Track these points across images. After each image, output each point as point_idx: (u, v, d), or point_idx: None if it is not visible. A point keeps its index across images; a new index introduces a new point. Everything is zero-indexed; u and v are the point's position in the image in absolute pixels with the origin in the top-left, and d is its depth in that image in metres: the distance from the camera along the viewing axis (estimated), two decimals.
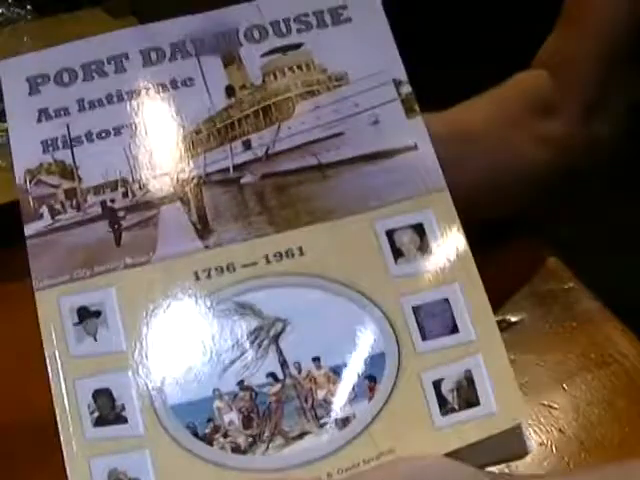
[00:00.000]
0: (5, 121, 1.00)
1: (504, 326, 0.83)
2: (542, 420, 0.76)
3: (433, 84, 0.91)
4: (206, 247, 0.65)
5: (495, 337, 0.64)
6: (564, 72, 0.86)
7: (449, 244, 0.65)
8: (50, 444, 0.70)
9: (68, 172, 0.67)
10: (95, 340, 0.63)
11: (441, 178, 0.67)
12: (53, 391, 0.62)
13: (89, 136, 0.67)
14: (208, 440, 0.61)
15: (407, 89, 0.69)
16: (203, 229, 0.66)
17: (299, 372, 0.63)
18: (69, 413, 0.62)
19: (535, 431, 0.75)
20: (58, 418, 0.62)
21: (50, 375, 0.63)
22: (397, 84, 0.69)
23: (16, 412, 0.80)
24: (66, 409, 0.62)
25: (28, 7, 1.11)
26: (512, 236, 0.89)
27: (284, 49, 0.69)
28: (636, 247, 0.95)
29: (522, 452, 0.66)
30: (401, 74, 0.69)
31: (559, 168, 0.86)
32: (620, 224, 1.00)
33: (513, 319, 0.85)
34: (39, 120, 0.68)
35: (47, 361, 0.63)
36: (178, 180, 0.67)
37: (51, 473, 0.69)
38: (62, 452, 0.61)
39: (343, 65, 0.69)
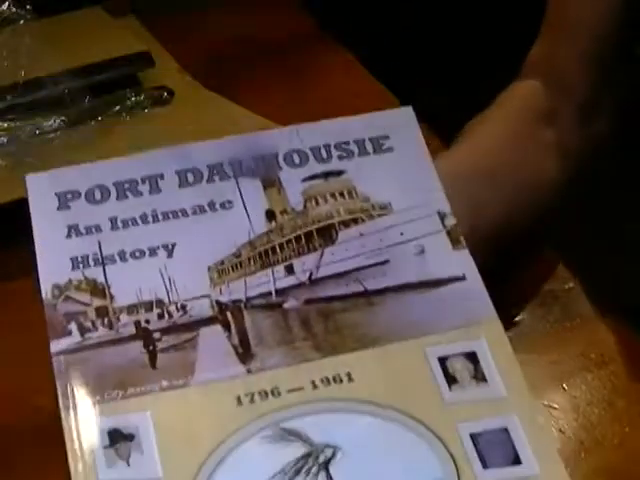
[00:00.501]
0: (5, 120, 0.98)
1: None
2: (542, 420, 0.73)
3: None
4: (248, 371, 0.61)
5: (560, 472, 0.60)
6: (554, 78, 0.86)
7: (504, 374, 0.62)
8: (50, 445, 0.66)
9: (99, 290, 0.63)
10: (128, 465, 0.58)
11: (491, 307, 0.64)
12: None
13: (122, 255, 0.64)
14: None
15: (451, 221, 0.67)
16: (245, 353, 0.62)
17: None
18: None
19: None
20: None
21: None
22: (442, 216, 0.67)
23: (16, 412, 0.76)
24: None
25: (28, 7, 1.08)
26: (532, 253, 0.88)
27: (325, 175, 0.68)
28: (636, 247, 0.94)
29: None
30: (445, 206, 0.68)
31: (568, 172, 0.85)
32: (620, 224, 0.98)
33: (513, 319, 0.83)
34: (68, 235, 0.65)
35: None
36: (218, 303, 0.64)
37: (51, 474, 0.66)
38: None
39: (386, 195, 0.68)
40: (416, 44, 1.43)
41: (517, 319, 0.84)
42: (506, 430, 0.61)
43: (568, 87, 0.86)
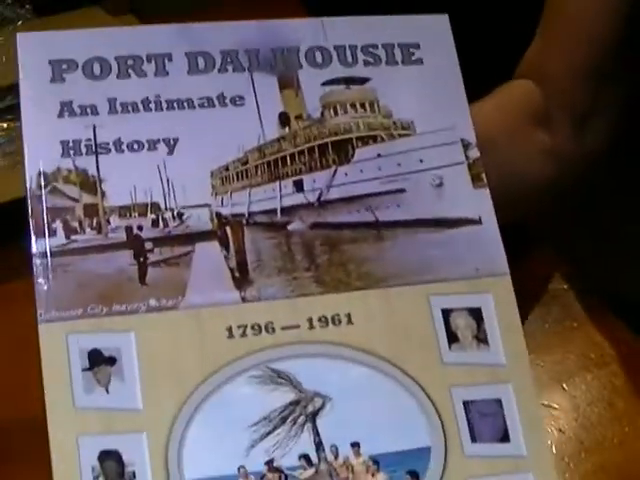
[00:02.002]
0: (5, 120, 0.95)
1: None
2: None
3: None
4: (243, 299, 0.57)
5: (547, 457, 0.58)
6: (550, 86, 0.82)
7: (507, 338, 0.59)
8: (47, 442, 0.63)
9: (90, 184, 0.57)
10: (107, 392, 0.54)
11: (504, 261, 0.60)
12: (52, 447, 0.53)
13: (118, 145, 0.58)
14: None
15: (475, 153, 0.62)
16: (241, 278, 0.57)
17: (335, 457, 0.55)
18: (69, 473, 0.52)
19: None
20: (54, 476, 0.52)
21: (49, 427, 0.53)
22: (465, 146, 0.62)
23: (16, 412, 0.74)
24: (65, 470, 0.52)
25: (28, 7, 1.08)
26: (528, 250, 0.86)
27: (348, 81, 0.61)
28: (636, 248, 0.93)
29: None
30: (470, 135, 0.62)
31: (555, 176, 0.82)
32: (620, 225, 0.97)
33: None
34: (61, 115, 0.58)
35: (47, 410, 0.53)
36: (218, 216, 0.58)
37: (49, 470, 0.62)
38: None
39: (410, 112, 0.62)
40: None
41: None
42: (499, 402, 0.58)
43: (563, 97, 0.80)
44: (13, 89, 0.92)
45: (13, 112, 0.97)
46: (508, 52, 0.82)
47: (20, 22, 1.06)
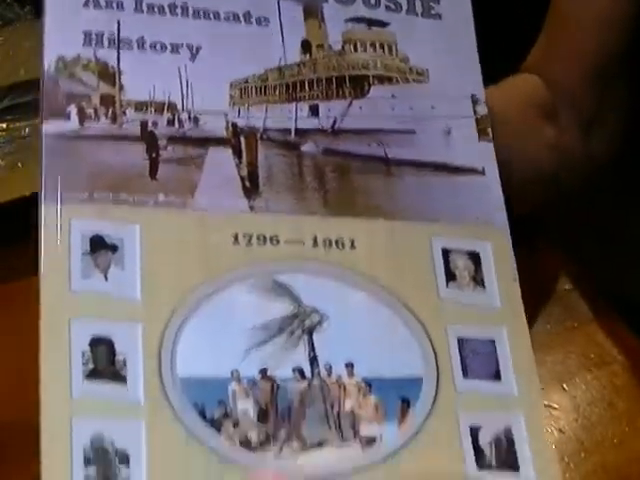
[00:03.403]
0: (5, 120, 0.92)
1: None
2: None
3: None
4: (251, 208, 0.55)
5: (538, 400, 0.57)
6: (556, 88, 0.80)
7: (502, 284, 0.58)
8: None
9: (109, 75, 0.55)
10: (105, 278, 0.51)
11: (504, 214, 0.60)
12: (42, 328, 0.50)
13: (141, 43, 0.56)
14: (216, 425, 0.50)
15: (483, 109, 0.62)
16: (251, 188, 0.55)
17: (329, 375, 0.53)
18: (58, 358, 0.49)
19: None
20: (42, 360, 0.49)
21: (42, 308, 0.50)
22: (474, 101, 0.62)
23: (16, 412, 0.69)
24: (54, 351, 0.49)
25: (28, 7, 1.04)
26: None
27: (370, 22, 0.61)
28: (636, 248, 0.93)
29: None
30: (479, 91, 0.62)
31: (560, 172, 0.81)
32: (621, 225, 0.97)
33: None
34: (86, 4, 0.56)
35: (41, 290, 0.50)
36: (233, 125, 0.56)
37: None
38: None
39: (425, 61, 0.62)
40: None
41: None
42: (493, 343, 0.57)
43: (567, 94, 0.80)
44: (13, 89, 0.94)
45: (13, 112, 0.94)
46: (512, 45, 0.82)
47: (21, 22, 1.03)
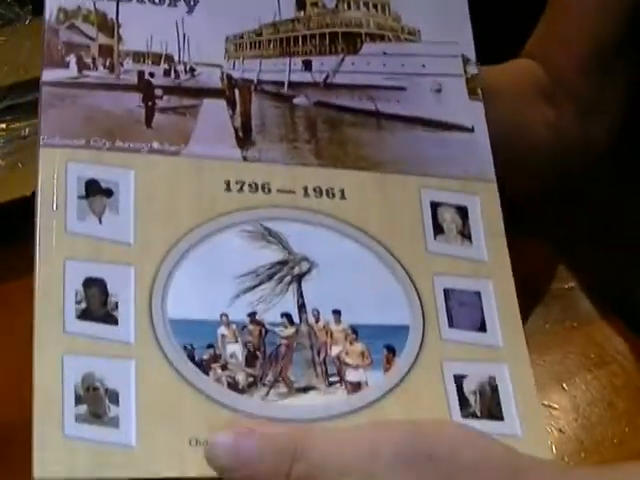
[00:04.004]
0: (4, 120, 0.93)
1: None
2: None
3: None
4: (244, 158, 0.56)
5: (522, 351, 0.57)
6: (554, 74, 0.81)
7: (490, 239, 0.59)
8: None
9: (108, 27, 0.56)
10: (99, 222, 0.52)
11: (492, 169, 0.60)
12: (37, 268, 0.50)
13: None
14: (204, 368, 0.51)
15: (473, 69, 0.62)
16: (244, 138, 0.56)
17: (316, 321, 0.53)
18: (51, 297, 0.50)
19: None
20: (36, 302, 0.50)
21: (37, 248, 0.51)
22: (465, 61, 0.62)
23: (16, 410, 0.67)
24: (48, 291, 0.50)
25: (28, 7, 1.05)
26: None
27: None
28: (636, 248, 0.93)
29: None
30: (470, 52, 0.63)
31: (558, 156, 0.81)
32: (621, 225, 0.96)
33: None
34: None
35: (37, 232, 0.51)
36: (228, 77, 0.57)
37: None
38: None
39: (417, 21, 0.62)
40: None
41: None
42: (479, 295, 0.57)
43: (565, 82, 0.80)
44: (13, 89, 0.95)
45: (13, 112, 0.95)
46: (510, 36, 0.82)
47: (21, 22, 1.04)
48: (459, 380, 0.54)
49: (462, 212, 0.59)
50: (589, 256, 0.90)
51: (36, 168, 0.52)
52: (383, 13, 0.61)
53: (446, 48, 0.62)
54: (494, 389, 0.55)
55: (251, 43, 0.58)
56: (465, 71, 0.62)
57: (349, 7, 0.61)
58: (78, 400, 0.48)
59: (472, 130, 0.61)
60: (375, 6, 0.61)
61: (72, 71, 0.54)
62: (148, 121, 0.55)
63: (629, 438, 0.72)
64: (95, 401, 0.49)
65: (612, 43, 0.79)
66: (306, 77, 0.59)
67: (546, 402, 0.73)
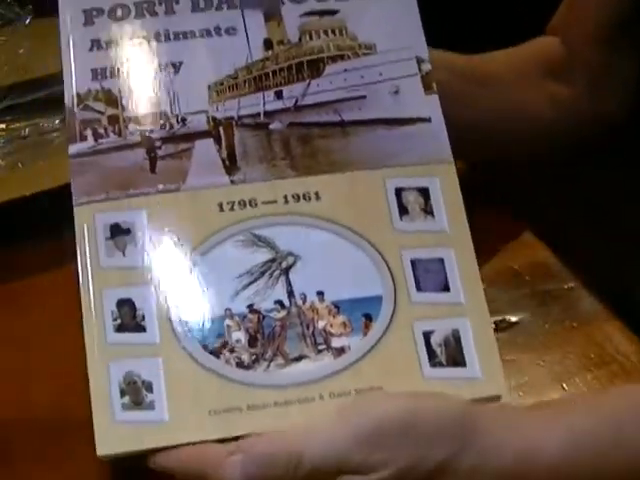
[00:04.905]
0: (4, 120, 0.97)
1: (504, 326, 0.82)
2: None
3: None
4: (232, 182, 0.68)
5: (482, 306, 0.66)
6: (571, 37, 0.88)
7: (450, 212, 0.68)
8: (49, 440, 0.72)
9: (113, 100, 0.69)
10: (124, 255, 0.66)
11: (449, 151, 0.69)
12: (82, 298, 0.64)
13: (135, 69, 0.70)
14: (216, 353, 0.63)
15: (427, 67, 0.71)
16: (231, 165, 0.68)
17: (304, 302, 0.65)
18: (94, 318, 0.64)
19: None
20: (84, 323, 0.64)
21: (80, 283, 0.65)
22: (419, 61, 0.71)
23: (17, 410, 0.79)
24: (92, 315, 0.64)
25: (28, 7, 1.08)
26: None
27: (321, 13, 0.72)
28: (636, 247, 0.93)
29: None
30: (423, 53, 0.72)
31: (567, 129, 0.88)
32: (621, 224, 0.98)
33: (513, 319, 0.83)
34: (91, 49, 0.70)
35: (79, 271, 0.65)
36: (213, 119, 0.69)
37: (50, 469, 0.71)
38: (85, 355, 0.63)
39: (372, 36, 0.72)
40: None
41: (517, 319, 0.83)
42: (442, 261, 0.67)
43: (582, 49, 0.86)
44: (13, 89, 0.97)
45: (13, 112, 0.98)
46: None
47: (21, 22, 1.04)
48: (427, 335, 0.65)
49: (424, 193, 0.68)
50: (590, 256, 0.91)
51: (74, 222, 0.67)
52: (341, 35, 0.71)
53: (401, 54, 0.71)
54: (457, 340, 0.65)
55: (229, 86, 0.70)
56: (420, 69, 0.71)
57: (311, 38, 0.71)
58: (122, 393, 0.62)
59: (429, 120, 0.70)
60: (333, 31, 0.71)
61: (90, 142, 0.68)
62: (152, 168, 0.67)
63: None
64: (135, 392, 0.62)
65: (627, 16, 0.85)
66: (278, 105, 0.70)
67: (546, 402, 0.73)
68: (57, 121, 0.97)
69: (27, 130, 0.96)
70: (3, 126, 0.96)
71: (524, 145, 0.87)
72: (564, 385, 0.78)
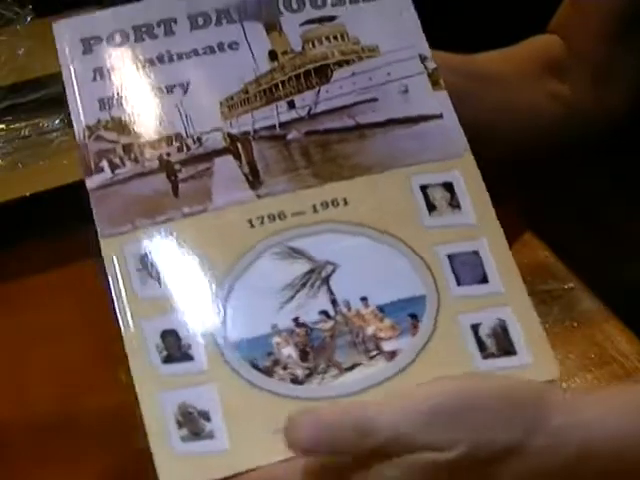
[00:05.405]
0: (4, 120, 0.96)
1: None
2: None
3: None
4: (258, 196, 0.66)
5: (523, 293, 0.65)
6: (574, 34, 0.88)
7: (476, 203, 0.67)
8: (48, 441, 0.71)
9: (125, 128, 0.67)
10: (159, 284, 0.64)
11: (465, 142, 0.69)
12: (123, 332, 0.62)
13: (143, 93, 0.67)
14: (268, 372, 0.62)
15: (432, 64, 0.71)
16: (254, 180, 0.66)
17: (349, 310, 0.64)
18: (140, 352, 0.62)
19: None
20: (130, 357, 0.62)
21: (118, 316, 0.62)
22: (423, 59, 0.71)
23: (16, 410, 0.78)
24: (136, 348, 0.62)
25: (28, 7, 1.07)
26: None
27: (320, 20, 0.71)
28: (636, 247, 0.94)
29: None
30: (426, 50, 0.71)
31: (569, 126, 0.88)
32: (620, 223, 0.98)
33: None
34: (94, 79, 0.68)
35: (115, 303, 0.63)
36: (229, 135, 0.67)
37: (50, 469, 0.70)
38: (134, 388, 0.61)
39: (374, 38, 0.71)
40: None
41: None
42: (477, 253, 0.66)
43: (585, 45, 0.87)
44: (13, 89, 0.97)
45: (13, 112, 0.97)
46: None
47: (21, 22, 1.04)
48: (475, 328, 0.64)
49: (449, 187, 0.68)
50: (590, 256, 0.91)
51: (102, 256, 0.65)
52: (343, 41, 0.70)
53: (404, 53, 0.70)
54: (504, 329, 0.64)
55: (241, 101, 0.68)
56: (425, 67, 0.70)
57: (314, 45, 0.70)
58: (179, 425, 0.60)
59: (441, 116, 0.69)
60: (335, 37, 0.70)
61: (107, 173, 0.66)
62: (175, 192, 0.65)
63: None
64: (192, 423, 0.60)
65: (630, 11, 0.85)
66: (292, 115, 0.68)
67: None
68: (57, 121, 0.96)
69: (27, 130, 0.95)
70: (3, 126, 0.96)
71: (526, 144, 0.87)
72: (564, 385, 0.78)
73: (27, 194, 0.80)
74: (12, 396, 0.78)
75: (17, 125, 0.96)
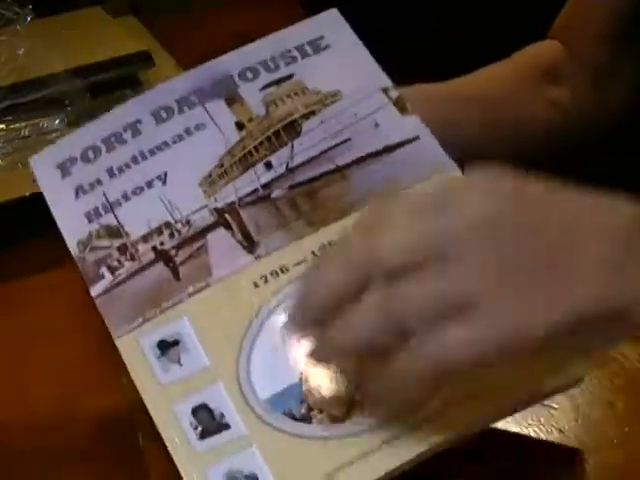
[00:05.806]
0: (4, 121, 0.96)
1: None
2: (542, 420, 0.71)
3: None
4: (257, 258, 0.66)
5: None
6: (575, 37, 0.87)
7: None
8: (48, 441, 0.70)
9: (115, 232, 0.68)
10: (180, 365, 0.63)
11: (447, 157, 0.68)
12: (155, 421, 0.61)
13: (125, 197, 0.68)
14: (306, 419, 0.60)
15: (394, 93, 0.71)
16: (249, 244, 0.66)
17: None
18: (175, 435, 0.61)
19: (535, 431, 0.70)
20: (167, 443, 0.61)
21: (149, 407, 0.62)
22: (384, 91, 0.71)
23: (16, 410, 0.77)
24: (171, 433, 0.61)
25: (28, 7, 1.06)
26: None
27: (278, 81, 0.71)
28: None
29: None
30: (385, 82, 0.71)
31: (568, 131, 0.87)
32: None
33: None
34: (77, 196, 0.69)
35: (143, 396, 0.62)
36: (216, 210, 0.68)
37: (50, 469, 0.69)
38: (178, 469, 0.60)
39: (333, 84, 0.71)
40: (419, 47, 1.39)
41: None
42: None
43: (586, 50, 0.87)
44: (13, 89, 0.96)
45: (13, 112, 0.96)
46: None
47: (21, 22, 1.02)
48: None
49: None
50: None
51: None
52: (304, 94, 0.71)
53: (365, 90, 0.71)
54: None
55: (219, 176, 0.68)
56: (389, 98, 0.71)
57: (277, 106, 0.70)
58: None
59: (418, 138, 0.69)
60: (296, 93, 0.71)
61: (108, 278, 0.66)
62: (176, 277, 0.65)
63: (629, 438, 0.70)
64: None
65: (631, 12, 0.85)
66: (272, 174, 0.68)
67: (546, 402, 0.72)
68: (57, 121, 0.95)
69: (27, 130, 0.94)
70: (3, 126, 0.95)
71: (525, 154, 0.86)
72: None
73: (27, 194, 0.79)
74: (12, 396, 0.77)
75: (17, 125, 0.96)
